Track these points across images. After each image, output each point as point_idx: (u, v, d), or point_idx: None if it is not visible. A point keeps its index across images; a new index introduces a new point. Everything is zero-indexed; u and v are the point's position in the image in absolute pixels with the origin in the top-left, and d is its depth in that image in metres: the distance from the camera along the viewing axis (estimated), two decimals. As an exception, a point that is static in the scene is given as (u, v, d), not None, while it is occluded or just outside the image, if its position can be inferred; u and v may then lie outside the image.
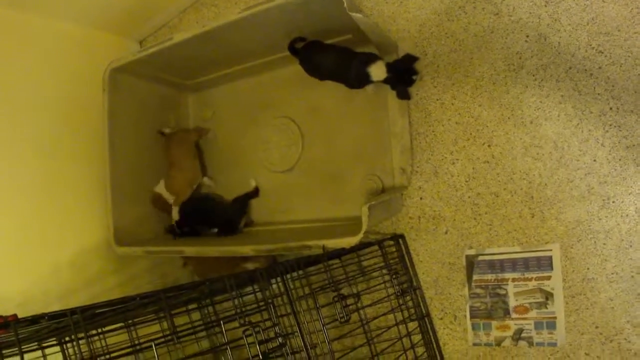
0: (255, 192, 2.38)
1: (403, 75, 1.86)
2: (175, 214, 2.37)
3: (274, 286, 1.59)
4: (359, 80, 1.91)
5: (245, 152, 2.42)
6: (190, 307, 1.68)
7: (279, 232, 2.24)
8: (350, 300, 1.60)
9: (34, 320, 1.35)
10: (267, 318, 1.44)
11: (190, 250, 2.08)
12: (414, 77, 1.88)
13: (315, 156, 2.24)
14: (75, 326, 1.18)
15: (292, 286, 1.59)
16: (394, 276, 1.91)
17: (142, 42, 2.79)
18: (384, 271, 1.96)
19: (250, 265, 2.27)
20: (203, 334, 2.14)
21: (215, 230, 2.38)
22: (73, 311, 1.18)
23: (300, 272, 1.57)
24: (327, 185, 2.20)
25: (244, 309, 1.35)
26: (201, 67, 2.38)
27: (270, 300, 1.40)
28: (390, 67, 1.84)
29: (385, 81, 1.87)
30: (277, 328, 1.38)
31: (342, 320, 1.55)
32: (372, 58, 1.87)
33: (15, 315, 1.57)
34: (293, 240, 1.81)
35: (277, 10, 1.79)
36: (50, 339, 1.52)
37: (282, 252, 1.81)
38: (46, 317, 1.27)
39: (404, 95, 1.88)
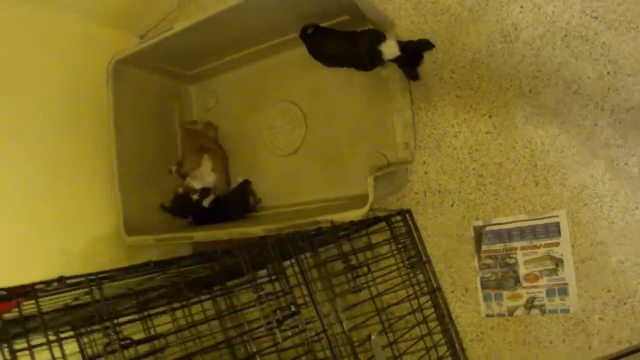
0: (246, 181, 2.50)
1: (413, 56, 1.94)
2: (207, 201, 2.46)
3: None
4: (371, 59, 1.98)
5: (250, 138, 2.52)
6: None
7: (286, 214, 2.32)
8: (361, 271, 1.67)
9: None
10: (279, 290, 1.51)
11: (200, 235, 2.17)
12: (420, 62, 1.99)
13: (318, 137, 2.33)
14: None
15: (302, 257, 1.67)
16: (402, 249, 1.99)
17: (143, 37, 2.89)
18: (392, 246, 2.03)
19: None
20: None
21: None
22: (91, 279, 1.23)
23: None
24: (331, 166, 2.29)
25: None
26: (202, 56, 2.47)
27: (282, 270, 1.48)
28: (403, 46, 1.91)
29: (396, 60, 1.94)
30: (290, 297, 1.46)
31: (354, 290, 1.63)
32: (381, 36, 1.95)
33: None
34: (301, 218, 1.89)
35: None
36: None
37: (292, 229, 1.88)
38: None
39: (414, 75, 1.99)
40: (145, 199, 2.42)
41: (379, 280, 1.88)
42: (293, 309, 1.46)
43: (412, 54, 1.94)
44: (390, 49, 1.91)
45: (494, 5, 1.98)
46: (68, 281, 1.24)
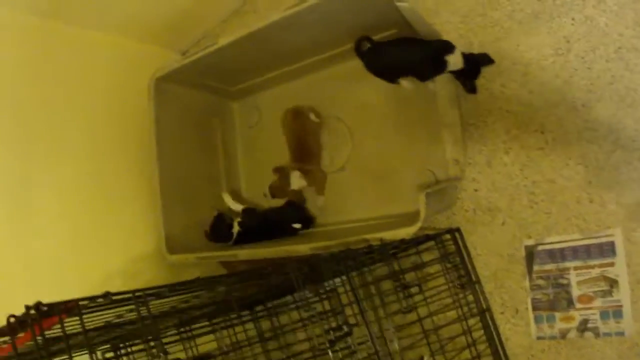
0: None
1: (473, 69, 1.99)
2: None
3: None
4: (435, 68, 1.99)
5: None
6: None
7: (333, 232, 2.37)
8: (413, 291, 1.70)
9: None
10: (329, 309, 1.55)
11: (244, 253, 2.21)
12: (478, 76, 2.04)
13: (365, 154, 2.38)
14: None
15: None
16: (453, 269, 2.01)
17: (185, 53, 2.97)
18: (442, 265, 2.05)
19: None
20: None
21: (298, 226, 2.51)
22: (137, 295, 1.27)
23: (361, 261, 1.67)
24: (379, 183, 2.33)
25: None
26: (245, 72, 2.55)
27: (333, 287, 1.51)
28: (467, 58, 1.94)
29: (457, 72, 1.98)
30: (341, 317, 1.49)
31: (405, 310, 1.65)
32: (448, 47, 1.94)
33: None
34: (349, 236, 1.93)
35: (321, 7, 1.92)
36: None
37: (340, 247, 1.91)
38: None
39: (472, 89, 2.03)
40: (187, 217, 2.47)
41: (428, 300, 1.90)
42: (345, 329, 1.48)
43: (472, 67, 1.99)
44: (456, 60, 1.93)
45: (545, 17, 2.02)
46: (114, 297, 1.24)
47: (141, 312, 1.30)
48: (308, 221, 2.51)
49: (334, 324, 1.51)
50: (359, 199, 2.39)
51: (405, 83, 2.12)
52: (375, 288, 1.65)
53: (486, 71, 2.12)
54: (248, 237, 2.45)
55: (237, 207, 2.56)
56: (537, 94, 2.03)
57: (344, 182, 2.44)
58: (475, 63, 2.00)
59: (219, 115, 2.73)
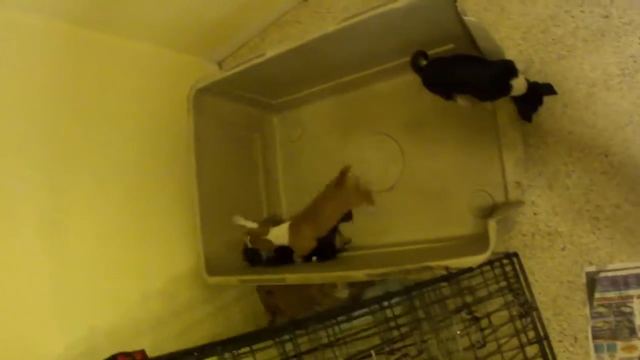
0: (348, 217, 2.54)
1: (533, 97, 2.02)
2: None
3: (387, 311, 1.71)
4: (499, 91, 2.00)
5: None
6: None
7: (382, 256, 2.39)
8: (484, 323, 1.72)
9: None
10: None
11: (293, 278, 2.21)
12: (538, 107, 2.06)
13: (416, 173, 2.40)
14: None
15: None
16: (516, 296, 2.04)
17: (221, 63, 3.00)
18: (499, 292, 2.07)
19: (338, 295, 2.41)
20: None
21: (314, 258, 2.51)
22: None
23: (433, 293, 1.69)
24: (430, 204, 2.36)
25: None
26: (290, 85, 2.58)
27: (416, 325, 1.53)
28: (531, 85, 1.96)
29: (517, 97, 2.00)
30: (423, 355, 1.51)
31: (480, 345, 1.67)
32: (513, 69, 1.95)
33: (143, 353, 1.71)
34: (409, 263, 1.93)
35: (378, 19, 1.94)
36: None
37: (399, 275, 1.93)
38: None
39: (527, 116, 2.05)
40: (226, 236, 2.49)
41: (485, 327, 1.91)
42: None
43: (534, 96, 2.01)
44: (520, 85, 1.94)
45: (611, 36, 2.05)
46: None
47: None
48: (326, 254, 2.50)
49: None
50: (408, 220, 2.42)
51: (462, 101, 2.14)
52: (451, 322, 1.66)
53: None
54: (283, 257, 2.49)
55: (253, 224, 2.56)
56: (601, 115, 2.06)
57: (393, 202, 2.46)
58: (538, 92, 2.02)
59: (259, 130, 2.76)
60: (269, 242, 2.48)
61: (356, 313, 1.65)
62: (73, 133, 2.29)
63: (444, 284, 1.75)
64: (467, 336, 1.74)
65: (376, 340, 1.58)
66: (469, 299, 1.78)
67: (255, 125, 2.74)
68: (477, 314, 1.76)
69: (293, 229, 2.46)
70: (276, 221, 2.60)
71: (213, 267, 2.39)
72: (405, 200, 2.43)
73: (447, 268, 1.82)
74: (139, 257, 2.41)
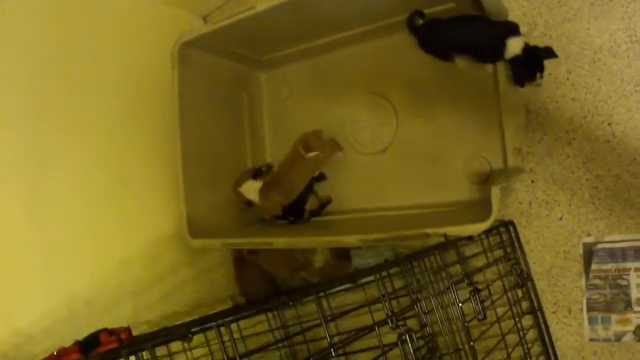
0: (321, 176, 2.52)
1: (532, 63, 1.93)
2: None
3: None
4: (492, 50, 1.94)
5: (329, 133, 2.51)
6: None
7: (374, 220, 2.36)
8: (484, 294, 1.69)
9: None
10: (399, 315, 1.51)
11: (280, 242, 2.17)
12: (539, 75, 1.93)
13: (411, 136, 2.36)
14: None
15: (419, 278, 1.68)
16: (513, 266, 2.02)
17: (207, 18, 2.90)
18: (496, 262, 2.05)
19: (317, 262, 2.38)
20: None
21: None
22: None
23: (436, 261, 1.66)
24: (424, 168, 2.32)
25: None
26: (280, 40, 2.50)
27: (417, 296, 1.49)
28: (527, 47, 1.88)
29: (512, 59, 1.93)
30: (427, 329, 1.47)
31: (481, 318, 1.64)
32: (514, 29, 1.90)
33: (129, 331, 1.65)
34: (404, 228, 1.89)
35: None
36: None
37: (394, 241, 1.91)
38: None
39: (520, 81, 1.97)
40: (211, 198, 2.43)
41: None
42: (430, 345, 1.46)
43: (531, 60, 1.92)
44: (515, 45, 1.87)
45: (620, 1, 2.00)
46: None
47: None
48: (295, 216, 2.49)
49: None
50: (400, 184, 2.38)
51: (461, 62, 2.10)
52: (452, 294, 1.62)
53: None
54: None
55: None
56: (606, 82, 2.04)
57: (385, 165, 2.42)
58: (536, 55, 1.93)
59: (247, 87, 2.69)
60: (241, 194, 2.46)
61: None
62: (53, 93, 2.19)
63: (443, 252, 1.70)
64: (468, 308, 1.71)
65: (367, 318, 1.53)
66: (468, 268, 1.74)
67: (242, 83, 2.67)
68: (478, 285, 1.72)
69: (262, 192, 2.42)
70: (260, 172, 2.56)
71: (196, 229, 2.32)
72: (398, 164, 2.39)
73: (445, 236, 1.78)
74: (119, 220, 2.34)
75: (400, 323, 1.38)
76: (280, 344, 2.38)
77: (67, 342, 1.83)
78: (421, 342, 1.40)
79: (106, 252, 2.27)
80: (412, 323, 1.51)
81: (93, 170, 2.28)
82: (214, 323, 1.17)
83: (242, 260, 2.57)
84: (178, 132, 2.30)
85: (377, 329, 1.29)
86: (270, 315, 2.44)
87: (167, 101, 2.32)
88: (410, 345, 1.32)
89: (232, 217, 2.51)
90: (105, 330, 1.66)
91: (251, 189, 2.44)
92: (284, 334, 2.52)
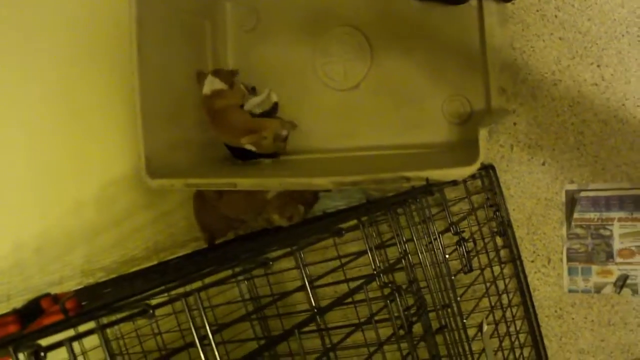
0: (273, 109, 2.44)
1: None
2: None
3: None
4: None
5: (297, 67, 2.43)
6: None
7: (346, 160, 2.29)
8: (470, 245, 1.64)
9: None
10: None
11: (245, 183, 2.09)
12: None
13: (386, 72, 2.27)
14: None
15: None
16: (496, 212, 1.97)
17: None
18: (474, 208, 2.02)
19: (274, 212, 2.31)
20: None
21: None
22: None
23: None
24: (400, 107, 2.24)
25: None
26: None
27: (406, 248, 1.42)
28: None
29: None
30: (414, 286, 1.41)
31: (466, 270, 1.59)
32: None
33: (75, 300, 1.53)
34: (383, 171, 1.81)
35: None
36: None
37: (371, 184, 1.83)
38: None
39: None
40: (171, 135, 2.32)
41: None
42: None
43: None
44: None
45: None
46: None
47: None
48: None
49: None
50: (374, 123, 2.31)
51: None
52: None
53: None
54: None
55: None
56: (597, 22, 1.98)
57: (358, 102, 2.34)
58: None
59: (210, 16, 2.55)
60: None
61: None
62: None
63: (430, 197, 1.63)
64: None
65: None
66: (452, 216, 1.68)
67: (205, 11, 2.53)
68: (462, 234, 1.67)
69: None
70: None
71: (155, 169, 2.22)
72: (372, 102, 2.31)
73: (427, 180, 1.71)
74: (71, 159, 2.22)
75: (387, 280, 1.31)
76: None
77: (14, 293, 1.75)
78: (410, 300, 1.32)
79: (56, 194, 2.16)
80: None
81: (41, 104, 2.15)
82: (180, 290, 0.96)
83: (202, 197, 2.48)
84: (135, 64, 2.18)
85: (365, 288, 1.21)
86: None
87: (123, 30, 2.18)
88: (399, 304, 1.26)
89: (194, 156, 2.42)
90: (48, 295, 1.55)
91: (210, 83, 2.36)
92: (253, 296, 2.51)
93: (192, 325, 0.86)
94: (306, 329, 1.08)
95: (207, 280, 1.01)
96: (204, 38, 2.53)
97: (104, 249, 2.20)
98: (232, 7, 2.60)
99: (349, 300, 1.37)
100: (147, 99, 2.20)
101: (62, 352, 0.76)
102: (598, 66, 2.00)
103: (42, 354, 0.68)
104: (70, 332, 0.78)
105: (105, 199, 2.28)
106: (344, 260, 1.41)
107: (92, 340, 1.85)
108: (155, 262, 2.17)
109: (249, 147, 2.32)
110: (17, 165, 2.06)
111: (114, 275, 2.04)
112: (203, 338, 0.87)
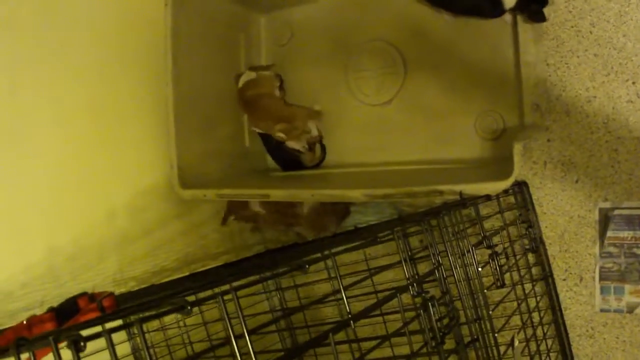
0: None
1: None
2: None
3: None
4: (491, 3, 1.92)
5: (331, 81, 2.45)
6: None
7: (378, 175, 2.30)
8: (502, 260, 1.62)
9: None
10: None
11: (278, 194, 2.10)
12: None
13: (419, 87, 2.28)
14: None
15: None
16: (528, 229, 1.96)
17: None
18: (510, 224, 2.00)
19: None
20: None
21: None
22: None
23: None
24: (432, 122, 2.25)
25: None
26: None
27: (439, 260, 1.42)
28: None
29: (516, 7, 1.90)
30: (447, 297, 1.40)
31: (499, 284, 1.58)
32: None
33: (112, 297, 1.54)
34: (415, 184, 1.81)
35: None
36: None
37: (404, 197, 1.84)
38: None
39: (538, 16, 1.91)
40: (204, 147, 2.34)
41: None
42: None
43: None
44: None
45: (651, -50, 1.93)
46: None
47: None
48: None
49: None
50: (405, 138, 2.32)
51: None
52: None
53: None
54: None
55: None
56: (633, 38, 1.97)
57: (390, 117, 2.35)
58: None
59: (245, 30, 2.58)
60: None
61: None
62: (33, 28, 2.07)
63: (462, 211, 1.62)
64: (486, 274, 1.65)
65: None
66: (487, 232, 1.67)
67: (240, 25, 2.56)
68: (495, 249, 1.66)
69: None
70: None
71: (187, 179, 2.24)
72: (404, 117, 2.32)
73: (461, 194, 1.71)
74: (105, 168, 2.24)
75: (420, 290, 1.31)
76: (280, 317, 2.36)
77: (49, 299, 1.75)
78: (443, 311, 1.31)
79: (90, 202, 2.18)
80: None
81: (76, 114, 2.17)
82: (216, 290, 0.96)
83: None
84: (170, 75, 2.20)
85: (398, 296, 1.20)
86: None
87: (158, 42, 2.21)
88: (432, 314, 1.25)
89: (226, 167, 2.44)
90: (85, 294, 1.56)
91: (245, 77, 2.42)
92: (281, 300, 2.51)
93: (228, 323, 0.86)
94: (336, 339, 1.07)
95: (244, 282, 1.01)
96: (238, 51, 2.55)
97: (135, 259, 2.21)
98: (267, 21, 2.63)
99: (378, 312, 1.37)
100: (180, 110, 2.22)
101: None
102: (633, 83, 1.98)
103: (82, 343, 0.68)
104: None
105: (137, 209, 2.29)
106: (374, 271, 1.41)
107: (122, 349, 1.88)
108: (186, 274, 2.18)
109: (280, 135, 2.34)
110: (51, 172, 2.08)
111: (145, 285, 2.05)
112: (237, 338, 0.87)
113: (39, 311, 1.51)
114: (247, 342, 0.87)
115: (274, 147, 2.48)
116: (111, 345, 0.73)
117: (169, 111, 2.21)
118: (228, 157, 2.46)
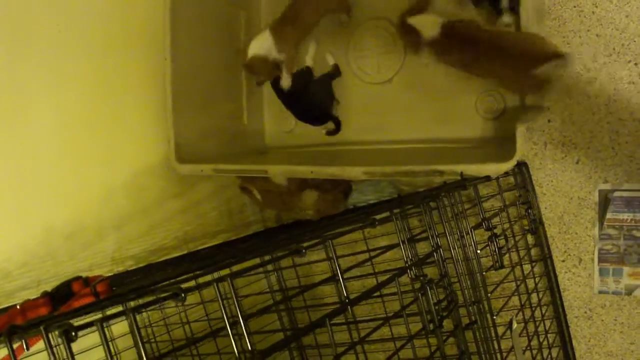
0: (336, 71, 2.41)
1: None
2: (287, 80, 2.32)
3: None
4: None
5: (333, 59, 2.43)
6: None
7: (379, 153, 2.30)
8: (502, 242, 1.62)
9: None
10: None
11: (277, 170, 2.10)
12: None
13: (419, 66, 2.26)
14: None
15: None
16: (528, 210, 1.96)
17: None
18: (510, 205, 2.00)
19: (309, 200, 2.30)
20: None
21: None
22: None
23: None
24: (432, 101, 2.24)
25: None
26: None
27: (438, 242, 1.42)
28: None
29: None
30: (446, 280, 1.40)
31: (497, 266, 1.58)
32: None
33: (106, 282, 1.53)
34: (415, 163, 1.81)
35: None
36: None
37: (403, 176, 1.83)
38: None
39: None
40: (202, 123, 2.35)
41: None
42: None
43: None
44: None
45: None
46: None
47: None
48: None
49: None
50: (406, 117, 2.31)
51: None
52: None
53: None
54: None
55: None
56: (635, 19, 1.96)
57: (391, 96, 2.34)
58: None
59: (245, 6, 2.57)
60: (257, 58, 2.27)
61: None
62: (31, 7, 2.05)
63: (461, 192, 1.61)
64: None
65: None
66: (486, 214, 1.66)
67: (240, 1, 2.55)
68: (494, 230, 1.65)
69: (275, 32, 2.25)
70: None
71: (184, 154, 2.25)
72: (404, 95, 2.31)
73: (461, 174, 1.70)
74: (102, 146, 2.24)
75: (419, 273, 1.31)
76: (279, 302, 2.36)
77: (46, 278, 1.76)
78: (442, 294, 1.31)
79: (87, 181, 2.18)
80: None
81: (73, 91, 2.17)
82: (211, 277, 0.95)
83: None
84: (168, 52, 2.20)
85: (397, 280, 1.20)
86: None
87: (156, 16, 2.21)
88: (430, 297, 1.25)
89: (225, 145, 2.45)
90: (79, 278, 1.56)
91: (261, 42, 2.26)
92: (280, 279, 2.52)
93: (223, 310, 0.85)
94: (335, 321, 1.07)
95: (239, 267, 1.00)
96: (238, 28, 2.54)
97: (134, 238, 2.22)
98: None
99: (377, 294, 1.36)
100: (178, 85, 2.22)
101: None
102: (636, 64, 1.97)
103: (73, 333, 0.68)
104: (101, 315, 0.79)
105: (136, 187, 2.30)
106: (373, 253, 1.40)
107: (120, 327, 1.88)
108: (185, 252, 2.18)
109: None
110: (48, 152, 2.08)
111: (143, 264, 2.05)
112: (233, 324, 0.87)
113: (35, 292, 1.52)
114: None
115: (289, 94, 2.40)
116: (103, 335, 0.73)
117: (167, 86, 2.21)
118: (226, 134, 2.47)
